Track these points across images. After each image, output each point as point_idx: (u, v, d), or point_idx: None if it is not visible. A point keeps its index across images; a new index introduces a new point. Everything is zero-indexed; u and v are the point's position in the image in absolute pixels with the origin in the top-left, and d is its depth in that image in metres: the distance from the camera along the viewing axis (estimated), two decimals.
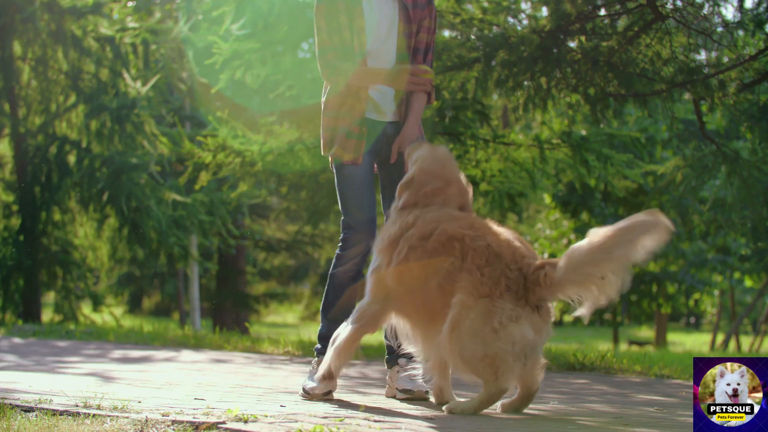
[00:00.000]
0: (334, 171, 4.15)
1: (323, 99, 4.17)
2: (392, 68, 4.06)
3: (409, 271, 3.51)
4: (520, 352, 3.31)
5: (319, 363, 4.01)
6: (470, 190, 3.79)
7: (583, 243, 3.26)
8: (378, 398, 4.05)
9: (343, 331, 3.68)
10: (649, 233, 3.22)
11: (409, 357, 4.00)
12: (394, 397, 4.01)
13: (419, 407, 3.67)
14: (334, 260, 4.14)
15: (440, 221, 3.54)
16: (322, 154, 4.19)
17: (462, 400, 3.56)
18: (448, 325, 3.37)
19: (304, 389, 3.95)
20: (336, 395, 3.97)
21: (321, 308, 4.20)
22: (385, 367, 4.17)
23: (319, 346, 4.15)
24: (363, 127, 4.07)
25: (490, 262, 3.38)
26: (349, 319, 3.69)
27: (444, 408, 3.52)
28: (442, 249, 3.46)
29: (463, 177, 3.79)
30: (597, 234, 3.24)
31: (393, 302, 3.61)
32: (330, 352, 3.69)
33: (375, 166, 4.23)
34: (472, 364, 3.34)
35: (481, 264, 3.38)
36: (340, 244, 4.14)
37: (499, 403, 3.54)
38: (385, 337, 3.97)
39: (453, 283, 3.41)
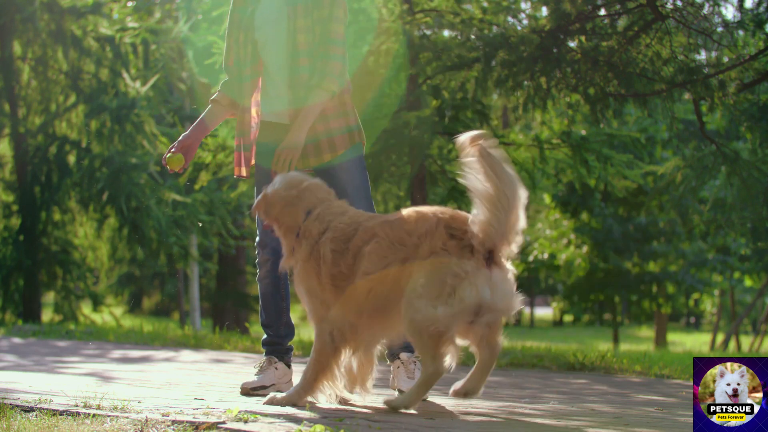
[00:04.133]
0: None
1: None
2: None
3: (341, 273, 3.37)
4: (468, 310, 3.17)
5: (268, 362, 4.15)
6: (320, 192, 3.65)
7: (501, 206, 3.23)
8: (378, 398, 4.05)
9: (316, 352, 3.55)
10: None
11: (411, 351, 4.04)
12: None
13: (418, 407, 3.66)
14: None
15: (359, 221, 3.42)
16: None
17: (397, 395, 3.49)
18: (395, 295, 3.27)
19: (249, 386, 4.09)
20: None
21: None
22: (387, 363, 4.19)
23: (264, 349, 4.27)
24: (245, 139, 4.15)
25: (420, 221, 3.28)
26: (316, 345, 3.55)
27: (384, 402, 3.44)
28: (370, 238, 3.33)
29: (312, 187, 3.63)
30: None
31: (344, 313, 3.45)
32: (310, 370, 3.56)
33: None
34: (418, 332, 3.20)
35: (410, 227, 3.28)
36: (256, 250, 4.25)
37: (451, 389, 3.44)
38: None
39: (383, 259, 3.29)
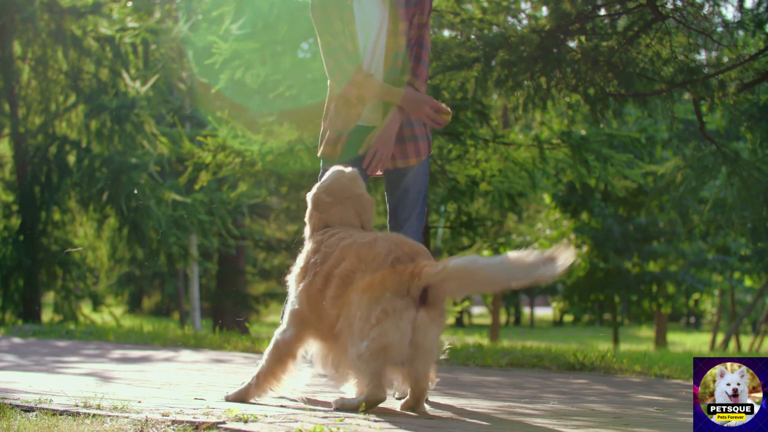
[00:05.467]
0: None
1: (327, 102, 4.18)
2: (405, 91, 3.98)
3: (316, 293, 3.48)
4: (395, 352, 3.23)
5: None
6: (370, 207, 3.74)
7: (461, 260, 3.19)
8: None
9: (263, 358, 3.63)
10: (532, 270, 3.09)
11: None
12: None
13: None
14: None
15: (340, 241, 3.50)
16: (318, 155, 4.20)
17: (348, 397, 3.50)
18: (343, 323, 3.35)
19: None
20: (336, 395, 3.97)
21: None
22: None
23: None
24: (348, 128, 4.07)
25: (375, 253, 3.35)
26: (268, 347, 3.63)
27: (332, 402, 3.47)
28: (340, 262, 3.42)
29: (362, 194, 3.72)
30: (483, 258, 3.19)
31: (307, 327, 3.53)
32: (254, 377, 3.65)
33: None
34: (353, 362, 3.30)
35: (366, 256, 3.35)
36: None
37: (398, 404, 3.49)
38: None
39: (344, 286, 3.37)
